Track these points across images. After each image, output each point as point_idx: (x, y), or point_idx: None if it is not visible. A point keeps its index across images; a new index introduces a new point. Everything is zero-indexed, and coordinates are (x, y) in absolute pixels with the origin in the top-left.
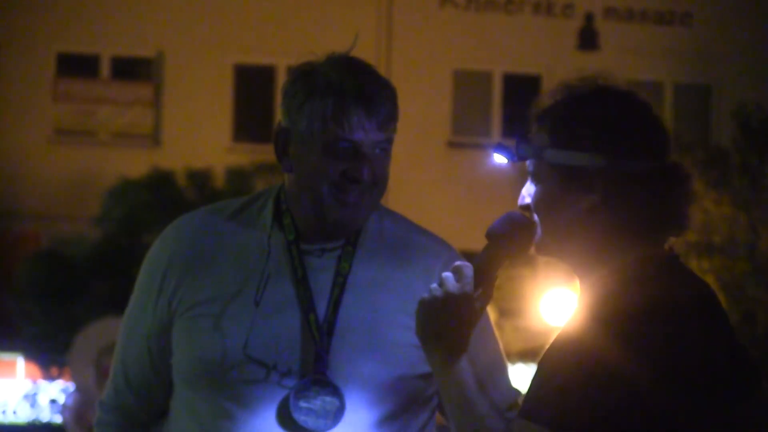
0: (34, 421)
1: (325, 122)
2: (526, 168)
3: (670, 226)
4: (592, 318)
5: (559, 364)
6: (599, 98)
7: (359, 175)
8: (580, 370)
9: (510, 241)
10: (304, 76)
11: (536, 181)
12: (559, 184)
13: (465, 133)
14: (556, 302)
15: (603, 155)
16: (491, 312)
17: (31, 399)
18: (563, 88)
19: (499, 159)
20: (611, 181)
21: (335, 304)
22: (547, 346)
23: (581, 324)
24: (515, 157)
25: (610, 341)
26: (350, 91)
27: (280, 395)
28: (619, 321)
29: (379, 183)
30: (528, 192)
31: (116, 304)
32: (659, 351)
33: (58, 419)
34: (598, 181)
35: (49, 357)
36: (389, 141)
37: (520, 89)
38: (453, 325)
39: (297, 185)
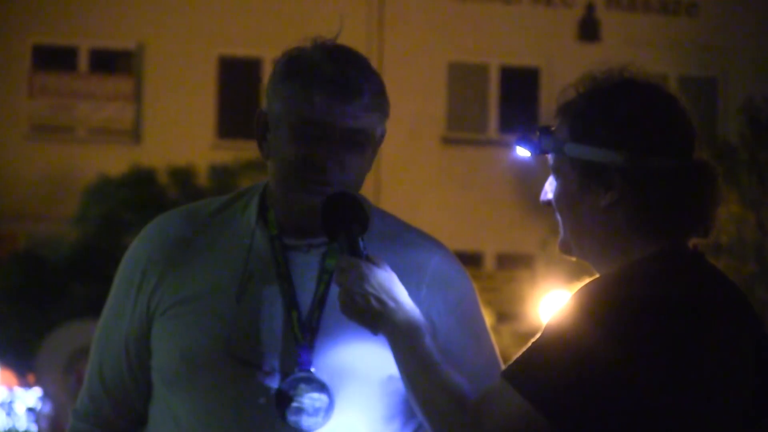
0: (10, 430)
1: (290, 101)
2: (547, 162)
3: (692, 227)
4: (581, 307)
5: (546, 344)
6: (622, 92)
7: (322, 162)
8: (564, 353)
9: None
10: (288, 60)
11: (556, 175)
12: (578, 179)
13: (460, 129)
14: (556, 305)
15: (621, 152)
16: (487, 315)
17: (7, 407)
18: (588, 80)
19: (522, 152)
20: (630, 179)
21: (320, 300)
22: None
23: (572, 311)
24: (538, 150)
25: (594, 331)
26: (325, 73)
27: (264, 395)
28: (606, 311)
29: (349, 177)
30: (550, 187)
31: (96, 308)
32: (642, 344)
33: (34, 428)
34: (616, 179)
35: (26, 363)
36: (366, 133)
37: (518, 83)
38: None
39: (272, 173)
